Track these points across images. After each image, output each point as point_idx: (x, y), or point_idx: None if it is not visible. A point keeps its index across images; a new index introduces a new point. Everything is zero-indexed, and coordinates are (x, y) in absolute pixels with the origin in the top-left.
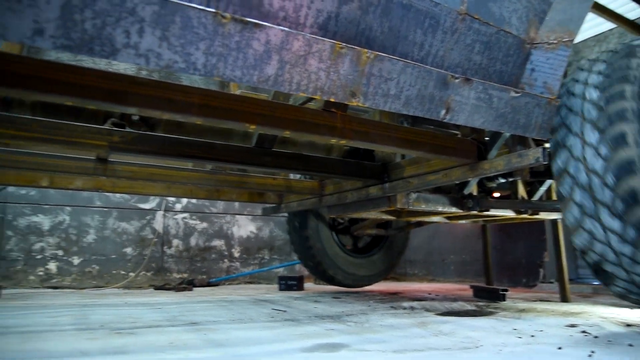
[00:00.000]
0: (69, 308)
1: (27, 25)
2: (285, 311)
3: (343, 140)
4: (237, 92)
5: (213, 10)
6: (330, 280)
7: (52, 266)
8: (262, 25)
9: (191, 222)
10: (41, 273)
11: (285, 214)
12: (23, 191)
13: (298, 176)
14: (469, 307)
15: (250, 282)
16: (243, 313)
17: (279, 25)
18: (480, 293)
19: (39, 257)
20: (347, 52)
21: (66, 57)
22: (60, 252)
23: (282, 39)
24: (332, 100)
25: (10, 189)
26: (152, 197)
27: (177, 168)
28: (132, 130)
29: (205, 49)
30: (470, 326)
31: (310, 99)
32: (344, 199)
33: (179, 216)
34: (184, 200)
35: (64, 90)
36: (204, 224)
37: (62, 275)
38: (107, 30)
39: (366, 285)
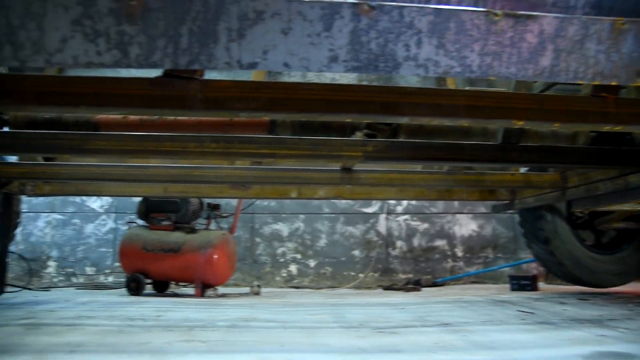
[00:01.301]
0: (320, 307)
1: (324, 55)
2: (532, 313)
3: (618, 126)
4: (452, 87)
5: (484, 9)
6: (575, 280)
7: (293, 268)
8: (535, 15)
9: (412, 223)
10: (284, 274)
11: (511, 211)
12: (265, 203)
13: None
14: None
15: (475, 282)
16: (489, 315)
17: (549, 12)
18: None
19: (281, 260)
20: (630, 27)
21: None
22: (298, 256)
23: (556, 26)
24: (613, 84)
25: (253, 201)
26: (374, 202)
27: (410, 172)
28: (384, 139)
29: (479, 50)
30: None
31: (551, 85)
32: (594, 190)
33: (401, 218)
34: (404, 203)
35: (344, 109)
36: (425, 225)
37: (302, 277)
38: (389, 46)
39: (616, 285)
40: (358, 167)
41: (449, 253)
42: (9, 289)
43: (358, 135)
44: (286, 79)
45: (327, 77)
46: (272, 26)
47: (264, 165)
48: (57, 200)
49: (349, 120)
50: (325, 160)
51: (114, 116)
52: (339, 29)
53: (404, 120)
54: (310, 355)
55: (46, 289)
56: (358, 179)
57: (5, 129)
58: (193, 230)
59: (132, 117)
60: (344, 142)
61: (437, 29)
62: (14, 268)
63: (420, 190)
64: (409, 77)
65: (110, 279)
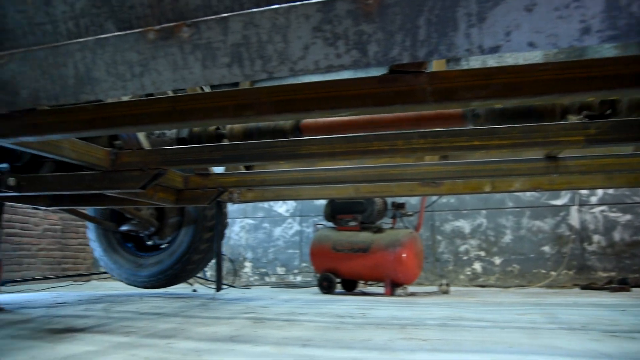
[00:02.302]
0: (523, 306)
1: (575, 27)
2: None
3: None
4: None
5: None
6: None
7: (477, 266)
8: None
9: (611, 215)
10: (468, 273)
11: None
12: (444, 199)
13: None
14: None
15: None
16: None
17: None
18: None
19: (464, 258)
20: None
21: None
22: (482, 253)
23: None
24: None
25: (433, 198)
26: (563, 193)
27: (624, 155)
28: (607, 120)
29: None
30: None
31: None
32: None
33: (596, 209)
34: (599, 192)
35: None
36: (628, 216)
37: (487, 275)
38: None
39: None
40: (563, 154)
41: None
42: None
43: (571, 118)
44: (465, 65)
45: (509, 59)
46: (514, 5)
47: (454, 160)
48: (249, 206)
49: (590, 99)
50: (540, 147)
51: (318, 120)
52: None
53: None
54: (550, 359)
55: (246, 287)
56: (565, 167)
57: (225, 141)
58: (380, 230)
59: (336, 119)
60: (562, 126)
61: None
62: None
63: (634, 175)
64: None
65: (299, 278)
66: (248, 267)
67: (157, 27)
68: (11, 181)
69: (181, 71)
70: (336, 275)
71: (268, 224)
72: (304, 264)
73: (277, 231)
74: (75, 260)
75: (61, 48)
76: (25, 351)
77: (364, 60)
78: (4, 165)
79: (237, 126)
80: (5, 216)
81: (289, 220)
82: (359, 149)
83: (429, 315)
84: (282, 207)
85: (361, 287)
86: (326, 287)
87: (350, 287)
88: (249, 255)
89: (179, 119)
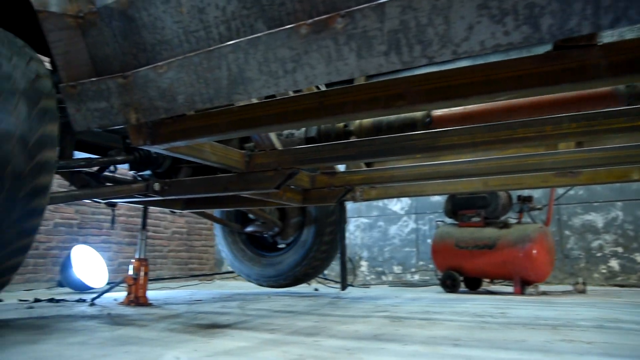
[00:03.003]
0: None
1: None
2: None
3: None
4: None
5: None
6: None
7: (614, 264)
8: None
9: None
10: (604, 271)
11: None
12: (572, 191)
13: None
14: None
15: None
16: None
17: None
18: None
19: (598, 254)
20: None
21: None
22: (619, 250)
23: None
24: None
25: (560, 190)
26: None
27: None
28: None
29: None
30: None
31: None
32: None
33: None
34: None
35: None
36: None
37: (626, 274)
38: None
39: None
40: None
41: None
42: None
43: None
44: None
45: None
46: None
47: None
48: (363, 205)
49: None
50: None
51: (450, 110)
52: None
53: None
54: None
55: (365, 285)
56: None
57: (353, 138)
58: (506, 225)
59: (469, 108)
60: None
61: None
62: (336, 267)
63: None
64: None
65: (416, 277)
66: (364, 266)
67: (309, 21)
68: (156, 186)
69: (335, 63)
70: (459, 273)
71: (383, 223)
72: (421, 263)
73: (393, 229)
74: (200, 261)
75: (215, 52)
76: (186, 344)
77: (536, 35)
78: (147, 172)
79: (365, 121)
80: (140, 219)
81: (404, 218)
82: (502, 138)
83: (577, 315)
84: (396, 205)
85: (485, 285)
86: (450, 285)
87: (474, 285)
88: (365, 254)
89: (326, 114)
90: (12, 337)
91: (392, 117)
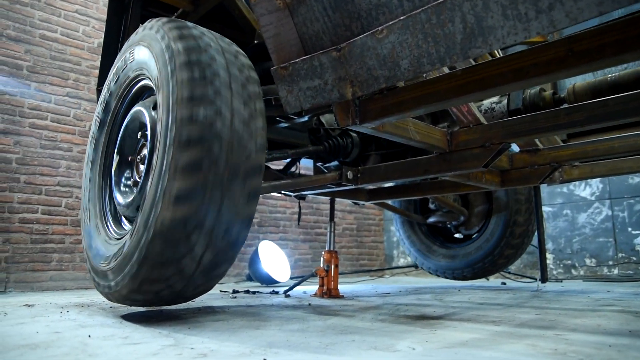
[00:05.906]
0: None
1: None
2: None
3: None
4: None
5: None
6: None
7: None
8: None
9: None
10: None
11: None
12: None
13: None
14: None
15: None
16: None
17: None
18: None
19: None
20: None
21: None
22: None
23: None
24: None
25: None
26: None
27: None
28: None
29: None
30: None
31: None
32: None
33: None
34: None
35: None
36: None
37: None
38: None
39: None
40: None
41: None
42: (515, 279)
43: None
44: None
45: None
46: None
47: None
48: (544, 192)
49: None
50: None
51: None
52: None
53: None
54: None
55: (556, 280)
56: None
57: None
58: None
59: None
60: None
61: None
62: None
63: None
64: None
65: (615, 271)
66: (549, 259)
67: None
68: (350, 174)
69: None
70: None
71: (569, 210)
72: (621, 255)
73: (582, 218)
74: (370, 257)
75: (446, 3)
76: (411, 334)
77: None
78: (334, 163)
79: (579, 84)
80: (313, 217)
81: (596, 204)
82: None
83: None
84: (585, 190)
85: None
86: None
87: None
88: (549, 245)
89: (577, 63)
90: (236, 322)
91: (617, 75)
